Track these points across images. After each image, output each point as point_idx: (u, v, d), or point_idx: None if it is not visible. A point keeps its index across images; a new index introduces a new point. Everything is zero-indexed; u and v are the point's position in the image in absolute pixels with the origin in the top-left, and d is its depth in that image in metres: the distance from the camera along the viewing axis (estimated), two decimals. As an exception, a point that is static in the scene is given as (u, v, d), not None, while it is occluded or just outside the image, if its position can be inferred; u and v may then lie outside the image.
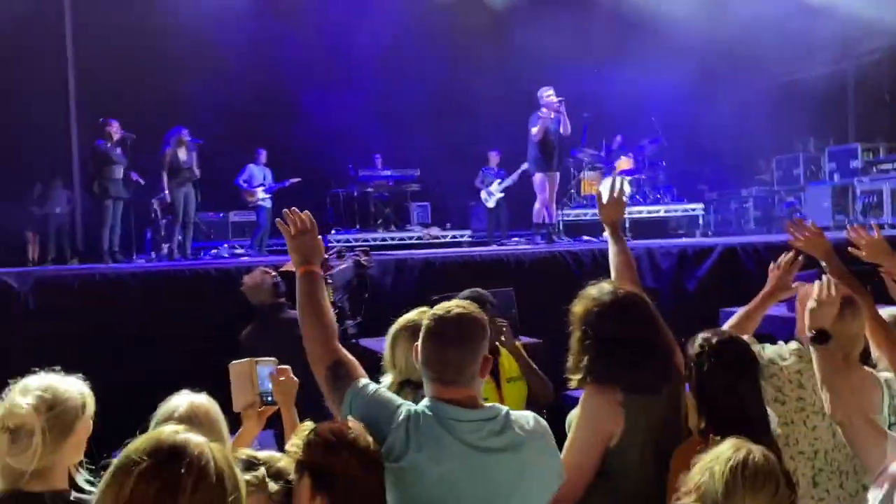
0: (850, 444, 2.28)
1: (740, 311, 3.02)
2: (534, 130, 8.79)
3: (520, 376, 3.50)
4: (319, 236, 2.34)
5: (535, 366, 3.54)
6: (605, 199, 3.05)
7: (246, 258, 9.25)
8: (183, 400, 2.28)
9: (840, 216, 11.43)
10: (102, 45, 11.06)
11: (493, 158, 11.18)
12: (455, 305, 2.05)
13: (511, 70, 12.30)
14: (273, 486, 1.86)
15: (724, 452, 1.84)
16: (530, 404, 3.41)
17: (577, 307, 2.42)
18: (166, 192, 8.64)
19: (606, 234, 3.01)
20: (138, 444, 1.42)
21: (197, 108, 10.80)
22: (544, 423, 2.07)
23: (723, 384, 2.27)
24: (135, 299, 5.69)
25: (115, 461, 1.41)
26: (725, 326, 2.93)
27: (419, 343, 2.04)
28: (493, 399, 2.93)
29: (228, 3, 11.46)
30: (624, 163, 12.21)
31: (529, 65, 11.90)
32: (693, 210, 12.16)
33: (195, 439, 1.43)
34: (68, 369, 2.15)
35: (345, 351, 2.16)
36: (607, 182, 11.52)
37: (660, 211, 12.09)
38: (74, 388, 2.08)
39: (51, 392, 2.01)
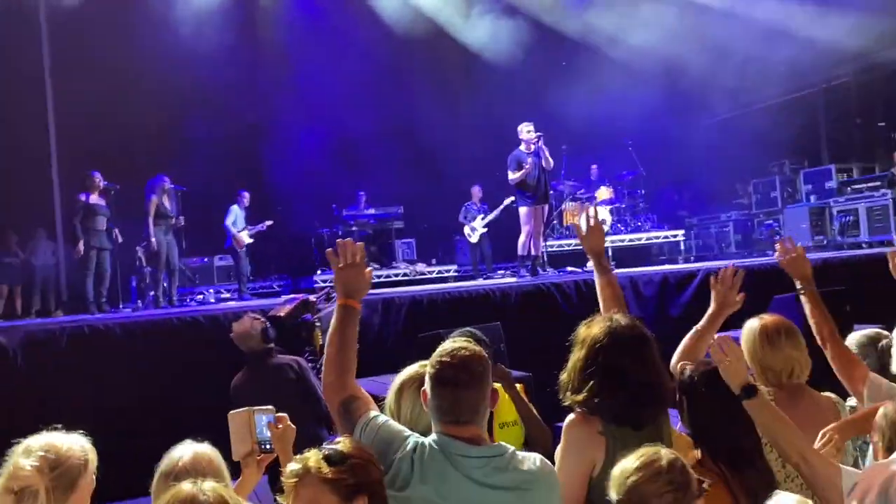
0: (808, 483, 2.29)
1: (690, 334, 2.94)
2: (512, 176, 8.91)
3: (515, 422, 3.41)
4: (368, 269, 2.36)
5: (535, 412, 3.42)
6: (583, 230, 3.07)
7: (233, 303, 9.26)
8: (187, 450, 2.31)
9: (819, 236, 11.63)
10: (82, 94, 11.14)
11: (476, 193, 11.29)
12: (457, 347, 2.11)
13: (489, 104, 12.48)
14: None
15: None
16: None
17: (591, 329, 2.42)
18: (153, 239, 8.66)
19: (591, 265, 3.03)
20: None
21: (177, 153, 10.90)
22: (549, 464, 2.13)
23: (716, 414, 2.30)
24: (124, 351, 5.68)
25: None
26: (678, 350, 2.91)
27: (428, 389, 2.10)
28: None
29: (207, 49, 11.56)
30: (604, 192, 12.41)
31: (506, 98, 12.12)
32: (674, 236, 12.34)
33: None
34: (64, 423, 2.18)
35: (360, 387, 2.22)
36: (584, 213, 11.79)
37: (641, 238, 12.26)
38: (77, 445, 2.12)
39: (53, 452, 2.05)
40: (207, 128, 11.65)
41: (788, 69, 12.18)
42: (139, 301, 9.61)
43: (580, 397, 2.34)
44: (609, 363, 2.32)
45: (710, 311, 2.96)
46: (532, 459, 2.09)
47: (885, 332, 3.47)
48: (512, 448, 2.09)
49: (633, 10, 12.10)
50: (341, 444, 1.89)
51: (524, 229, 9.08)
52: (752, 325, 2.89)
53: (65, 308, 10.57)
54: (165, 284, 8.98)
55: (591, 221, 3.05)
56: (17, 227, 11.05)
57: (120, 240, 8.98)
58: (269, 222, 10.58)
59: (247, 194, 10.69)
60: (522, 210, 9.10)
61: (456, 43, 13.04)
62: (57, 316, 9.83)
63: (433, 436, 2.07)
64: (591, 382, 2.31)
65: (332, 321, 2.28)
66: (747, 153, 13.68)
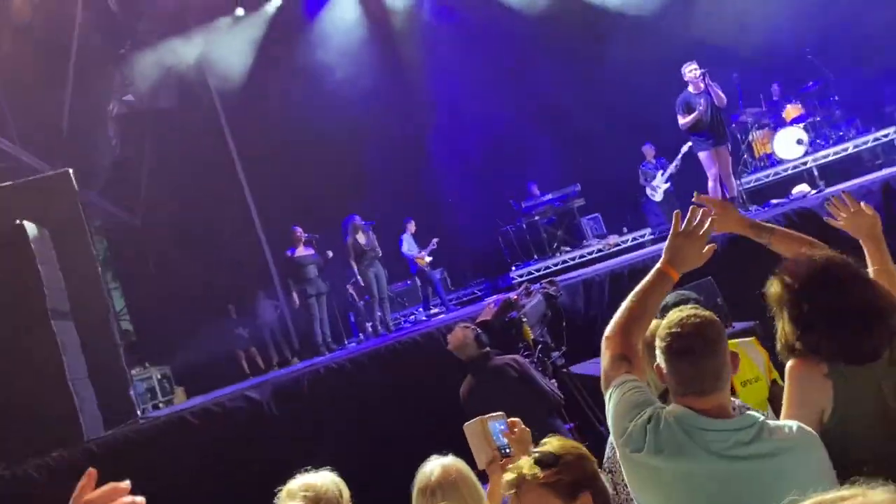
0: None
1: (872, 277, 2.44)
2: (682, 120, 8.41)
3: (757, 378, 3.25)
4: (705, 249, 2.18)
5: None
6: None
7: (442, 316, 9.62)
8: (436, 465, 2.47)
9: None
10: (266, 159, 12.23)
11: (648, 152, 10.82)
12: (686, 315, 2.01)
13: (657, 51, 11.87)
14: None
15: None
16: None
17: (778, 284, 2.23)
18: (357, 276, 9.23)
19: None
20: None
21: (359, 189, 11.58)
22: (808, 429, 1.97)
23: None
24: (356, 382, 6.11)
25: None
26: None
27: (663, 363, 2.02)
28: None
29: (356, 87, 12.22)
30: (792, 111, 11.39)
31: (656, 45, 11.52)
32: (885, 136, 11.02)
33: None
34: (318, 461, 2.39)
35: (637, 351, 2.14)
36: (780, 136, 10.90)
37: (848, 148, 11.07)
38: (328, 480, 2.33)
39: (312, 490, 2.26)
40: (378, 158, 12.26)
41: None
42: (361, 334, 10.26)
43: (803, 346, 2.15)
44: (816, 303, 2.12)
45: (865, 249, 2.53)
46: (788, 427, 1.95)
47: None
48: (761, 418, 1.96)
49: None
50: (549, 444, 1.90)
51: (710, 174, 8.57)
52: None
53: (299, 355, 11.57)
54: (380, 313, 9.54)
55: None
56: (239, 295, 12.26)
57: (331, 255, 9.43)
58: (435, 240, 10.82)
59: (412, 222, 10.83)
60: (702, 155, 8.58)
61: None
62: (294, 363, 10.78)
63: (672, 406, 2.00)
64: (801, 332, 2.14)
65: (645, 279, 2.17)
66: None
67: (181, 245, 12.13)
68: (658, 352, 2.04)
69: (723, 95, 8.38)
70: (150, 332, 12.34)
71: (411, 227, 10.95)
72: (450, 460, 2.48)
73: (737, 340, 3.42)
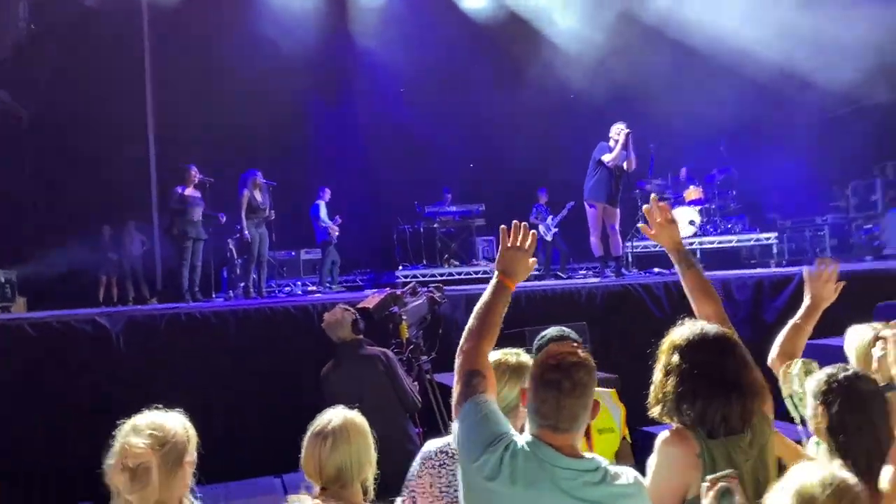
0: None
1: (787, 329, 2.88)
2: (605, 158, 8.64)
3: (612, 429, 3.35)
4: (532, 260, 2.43)
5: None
6: (651, 227, 2.80)
7: (319, 295, 9.46)
8: (337, 413, 2.45)
9: (924, 242, 10.99)
10: (180, 91, 11.62)
11: (542, 197, 11.40)
12: (566, 352, 2.08)
13: (568, 108, 12.33)
14: None
15: None
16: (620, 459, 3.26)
17: (672, 337, 2.35)
18: (246, 232, 8.93)
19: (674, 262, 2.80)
20: None
21: (264, 149, 11.23)
22: (642, 481, 2.07)
23: (857, 423, 2.17)
24: (219, 337, 5.89)
25: None
26: (775, 346, 2.86)
27: (530, 390, 2.07)
28: (582, 449, 2.90)
29: (297, 51, 11.87)
30: (693, 193, 12.07)
31: (591, 100, 11.93)
32: (767, 239, 11.86)
33: None
34: (164, 404, 2.28)
35: (490, 367, 2.25)
36: (676, 213, 11.52)
37: (732, 241, 11.84)
38: (179, 423, 2.22)
39: (161, 430, 2.14)
40: (298, 125, 11.97)
41: (891, 67, 11.52)
42: (230, 291, 9.93)
43: (668, 407, 2.26)
44: (687, 362, 2.25)
45: (805, 304, 2.92)
46: (626, 475, 2.04)
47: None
48: (605, 462, 2.04)
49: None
50: None
51: (593, 231, 8.79)
52: (865, 333, 2.76)
53: (159, 297, 11.05)
54: (255, 276, 9.25)
55: (657, 217, 2.76)
56: (112, 221, 11.61)
57: (223, 220, 9.15)
58: (338, 217, 10.79)
59: (328, 191, 10.93)
60: (591, 211, 8.78)
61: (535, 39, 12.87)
62: (152, 303, 10.30)
63: (527, 437, 2.05)
64: (671, 384, 2.25)
65: (485, 294, 2.33)
66: (846, 154, 13.04)
67: (65, 153, 11.33)
68: (529, 376, 2.11)
69: (634, 162, 8.71)
70: (5, 233, 11.44)
71: (326, 195, 10.82)
72: (352, 413, 2.47)
73: (598, 389, 3.55)
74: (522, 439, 2.05)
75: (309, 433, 2.42)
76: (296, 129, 12.06)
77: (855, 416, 2.17)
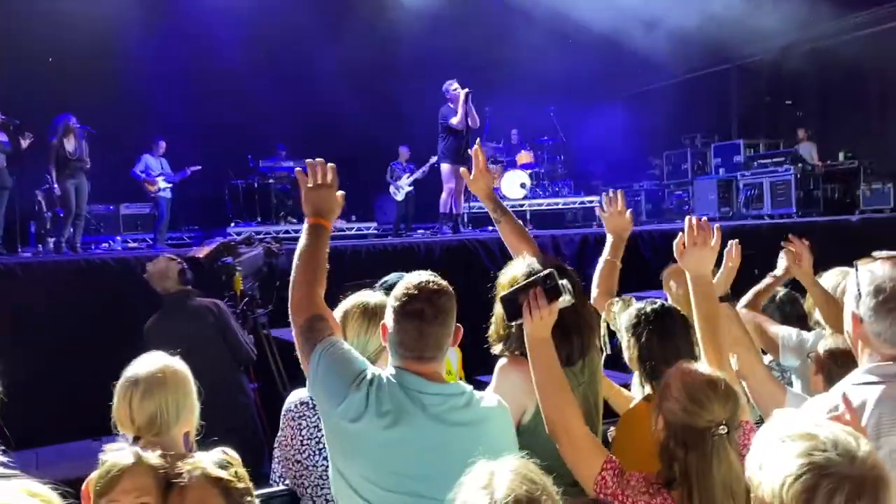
0: (752, 396, 2.40)
1: (600, 265, 3.08)
2: (454, 120, 8.81)
3: (449, 371, 3.30)
4: (339, 193, 2.28)
5: None
6: (470, 175, 2.90)
7: (138, 251, 8.87)
8: (150, 360, 2.25)
9: (725, 208, 12.14)
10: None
11: (403, 153, 11.26)
12: (425, 280, 2.03)
13: (419, 65, 12.29)
14: None
15: None
16: None
17: (506, 275, 2.40)
18: (54, 184, 8.13)
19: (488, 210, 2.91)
20: None
21: (87, 93, 10.23)
22: (504, 403, 2.09)
23: (662, 349, 2.32)
24: (27, 292, 5.35)
25: None
26: (595, 283, 3.05)
27: (391, 323, 2.01)
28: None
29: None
30: (524, 157, 12.52)
31: (438, 61, 11.95)
32: (590, 202, 12.58)
33: None
34: None
35: (327, 308, 2.13)
36: (508, 176, 11.94)
37: (558, 203, 12.46)
38: None
39: None
40: (118, 70, 11.02)
41: (704, 46, 12.52)
42: (39, 246, 9.05)
43: (513, 341, 2.31)
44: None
45: (609, 240, 3.12)
46: (490, 398, 2.07)
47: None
48: (470, 388, 2.05)
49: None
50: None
51: (446, 187, 9.09)
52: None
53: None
54: (70, 231, 8.46)
55: (480, 164, 2.87)
56: None
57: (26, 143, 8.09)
58: (196, 167, 10.23)
59: (163, 143, 10.27)
60: (444, 167, 9.11)
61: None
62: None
63: (391, 369, 2.01)
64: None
65: (301, 240, 2.18)
66: (661, 126, 14.10)
67: None
68: (389, 310, 2.04)
69: (476, 119, 8.94)
70: None
71: (160, 149, 10.13)
72: (170, 359, 2.26)
73: None
74: (386, 372, 2.00)
75: (121, 380, 2.22)
76: (116, 69, 11.06)
77: (661, 344, 2.34)
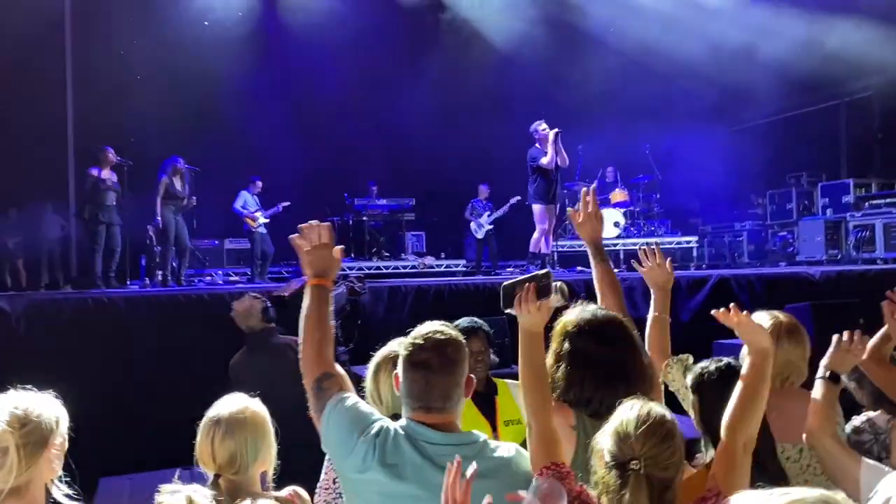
0: (823, 467, 2.24)
1: (650, 324, 2.90)
2: (543, 161, 8.79)
3: (519, 420, 3.23)
4: (338, 247, 2.28)
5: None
6: (580, 217, 2.89)
7: (239, 284, 9.24)
8: (235, 400, 2.35)
9: (834, 250, 11.49)
10: (101, 70, 11.16)
11: (483, 191, 11.37)
12: (433, 330, 2.02)
13: (504, 105, 12.39)
14: None
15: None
16: None
17: (557, 325, 2.35)
18: (159, 218, 8.67)
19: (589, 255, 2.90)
20: None
21: (193, 136, 10.88)
22: (523, 452, 2.03)
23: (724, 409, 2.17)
24: (127, 324, 5.67)
25: None
26: (646, 345, 2.81)
27: (399, 373, 2.02)
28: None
29: (222, 34, 11.58)
30: (618, 195, 12.32)
31: (522, 100, 12.02)
32: (687, 243, 12.21)
33: None
34: (62, 390, 2.13)
35: (337, 366, 2.16)
36: (605, 213, 11.73)
37: (653, 243, 12.12)
38: (46, 403, 2.06)
39: (22, 409, 1.99)
40: (227, 112, 11.65)
41: (811, 81, 12.03)
42: (147, 279, 9.60)
43: (559, 393, 2.25)
44: (576, 348, 2.25)
45: (653, 295, 2.96)
46: (507, 448, 2.02)
47: None
48: (484, 436, 2.01)
49: (656, 12, 11.95)
50: None
51: (539, 227, 9.03)
52: (762, 318, 2.82)
53: (73, 284, 10.58)
54: (175, 265, 8.97)
55: (589, 208, 2.86)
56: (26, 202, 11.05)
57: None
58: (286, 203, 10.63)
59: (259, 182, 10.73)
60: (537, 207, 9.04)
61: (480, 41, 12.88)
62: (65, 290, 9.84)
63: (402, 421, 2.01)
64: (562, 370, 2.24)
65: (305, 302, 2.20)
66: (765, 164, 13.55)
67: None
68: (399, 360, 2.05)
69: (566, 158, 8.89)
70: None
71: (256, 187, 10.62)
72: (250, 400, 2.36)
73: (510, 381, 3.54)
74: (397, 423, 2.00)
75: (204, 419, 2.33)
76: (222, 113, 11.71)
77: (723, 405, 2.19)
